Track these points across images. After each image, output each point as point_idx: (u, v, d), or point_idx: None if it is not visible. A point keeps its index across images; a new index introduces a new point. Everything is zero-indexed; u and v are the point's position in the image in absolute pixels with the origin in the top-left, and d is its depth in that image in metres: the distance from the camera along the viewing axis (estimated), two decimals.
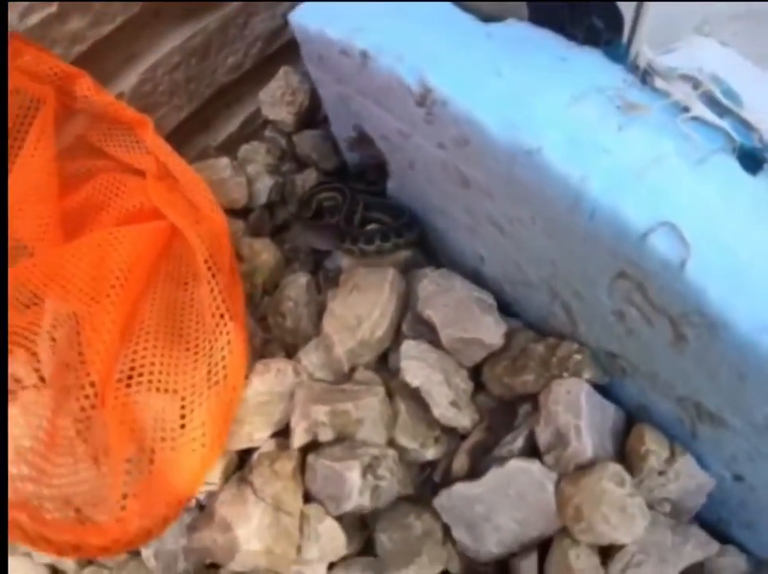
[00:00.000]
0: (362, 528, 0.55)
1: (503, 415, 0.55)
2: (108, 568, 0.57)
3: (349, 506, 0.49)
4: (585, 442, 0.49)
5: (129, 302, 0.60)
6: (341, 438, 0.51)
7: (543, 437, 0.51)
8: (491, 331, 0.56)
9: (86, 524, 0.46)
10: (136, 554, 0.56)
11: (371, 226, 0.69)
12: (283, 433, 0.56)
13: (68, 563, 0.57)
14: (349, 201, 0.70)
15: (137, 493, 0.49)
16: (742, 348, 0.38)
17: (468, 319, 0.57)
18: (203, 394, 0.55)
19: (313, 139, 0.81)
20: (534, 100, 0.45)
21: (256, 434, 0.55)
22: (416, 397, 0.55)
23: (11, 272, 0.60)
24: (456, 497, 0.51)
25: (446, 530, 0.52)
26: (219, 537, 0.48)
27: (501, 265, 0.58)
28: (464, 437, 0.55)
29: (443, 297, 0.59)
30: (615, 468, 0.48)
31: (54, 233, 0.66)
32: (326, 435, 0.51)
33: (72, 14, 0.66)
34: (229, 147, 0.82)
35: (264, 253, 0.71)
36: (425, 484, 0.56)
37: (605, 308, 0.49)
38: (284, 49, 0.83)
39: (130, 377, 0.56)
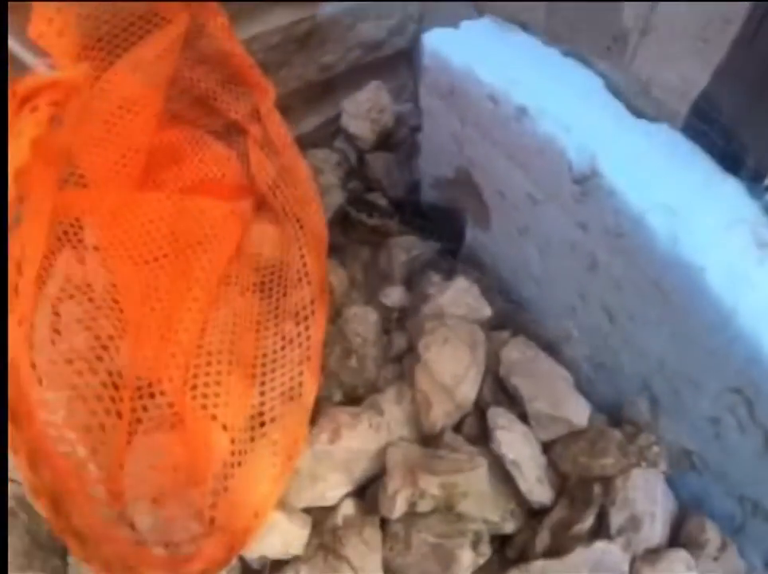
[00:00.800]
0: None
1: (582, 494, 0.55)
2: None
3: None
4: (657, 529, 0.52)
5: (211, 292, 0.49)
6: (437, 510, 0.46)
7: (616, 519, 0.52)
8: (579, 411, 0.55)
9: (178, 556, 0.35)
10: None
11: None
12: (356, 493, 0.49)
13: None
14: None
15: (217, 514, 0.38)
16: None
17: (556, 395, 0.56)
18: (274, 426, 0.46)
19: (387, 163, 0.76)
20: (694, 217, 0.47)
21: (330, 492, 0.47)
22: (494, 467, 0.52)
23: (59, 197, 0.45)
24: (536, 572, 0.49)
25: None
26: None
27: (591, 348, 0.58)
28: (537, 512, 0.54)
29: (527, 367, 0.58)
30: (684, 554, 0.51)
31: (134, 170, 0.51)
32: (425, 506, 0.45)
33: None
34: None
35: (332, 276, 0.64)
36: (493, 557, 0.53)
37: (701, 412, 0.51)
38: (380, 63, 0.77)
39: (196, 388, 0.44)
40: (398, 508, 0.44)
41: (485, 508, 0.47)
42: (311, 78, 0.71)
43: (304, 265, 0.52)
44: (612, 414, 0.59)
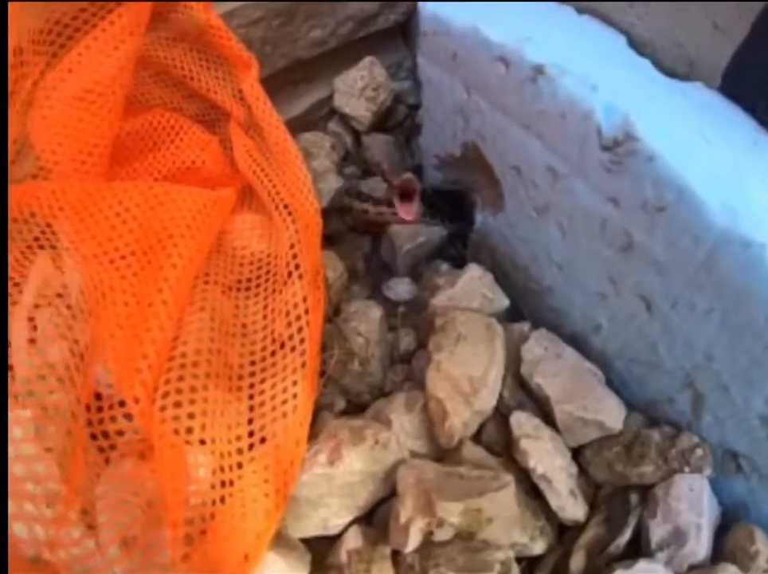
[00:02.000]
0: None
1: (620, 507, 0.46)
2: None
3: None
4: (704, 543, 0.43)
5: (184, 291, 0.41)
6: (459, 536, 0.38)
7: (658, 533, 0.44)
8: (614, 413, 0.47)
9: None
10: None
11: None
12: (363, 519, 0.41)
13: None
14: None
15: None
16: None
17: (588, 395, 0.47)
18: (266, 448, 0.38)
19: (386, 146, 0.67)
20: (752, 184, 0.38)
21: (333, 520, 0.39)
22: (521, 479, 0.44)
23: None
24: None
25: None
26: None
27: (624, 340, 0.50)
28: (567, 528, 0.46)
29: (552, 365, 0.49)
30: (734, 569, 0.42)
31: (101, 159, 0.44)
32: (444, 535, 0.37)
33: None
34: None
35: (329, 269, 0.55)
36: None
37: (752, 411, 0.43)
38: (375, 38, 0.67)
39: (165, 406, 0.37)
40: (412, 540, 0.36)
41: (513, 531, 0.39)
42: (299, 56, 0.62)
43: (294, 257, 0.44)
44: (647, 413, 0.51)
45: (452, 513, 0.36)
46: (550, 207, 0.49)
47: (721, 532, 0.47)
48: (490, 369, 0.46)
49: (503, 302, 0.54)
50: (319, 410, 0.48)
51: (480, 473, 0.40)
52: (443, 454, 0.44)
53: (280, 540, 0.37)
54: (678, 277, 0.42)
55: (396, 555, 0.39)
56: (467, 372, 0.45)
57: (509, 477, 0.40)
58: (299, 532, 0.39)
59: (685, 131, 0.39)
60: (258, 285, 0.48)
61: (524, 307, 0.58)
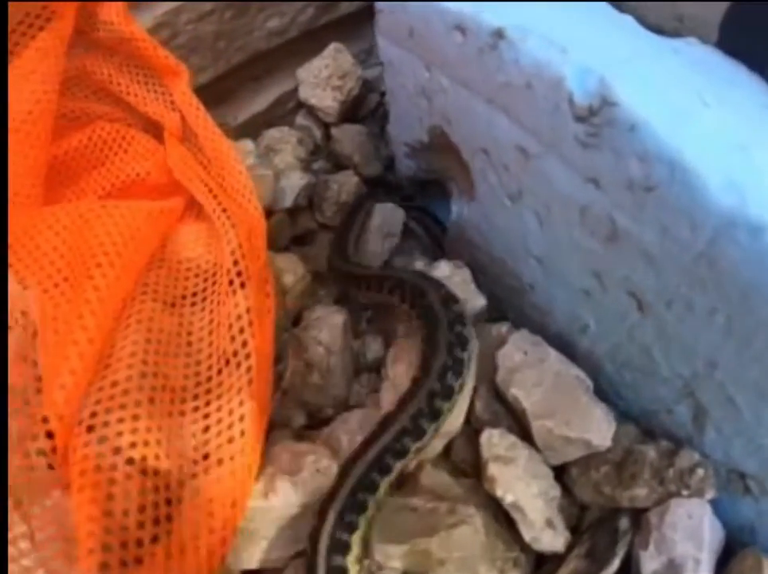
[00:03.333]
0: None
1: (606, 536, 0.38)
2: None
3: None
4: None
5: (110, 311, 0.36)
6: None
7: (651, 566, 0.36)
8: (601, 430, 0.38)
9: None
10: None
11: None
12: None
13: None
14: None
15: None
16: None
17: (571, 409, 0.39)
18: (210, 476, 0.32)
19: (357, 137, 0.60)
20: (761, 157, 0.29)
21: (274, 553, 0.33)
22: (491, 507, 0.37)
23: None
24: None
25: None
26: None
27: (614, 343, 0.41)
28: (546, 557, 0.38)
29: (533, 372, 0.41)
30: None
31: (34, 189, 0.40)
32: None
33: None
34: (251, 130, 0.58)
35: (289, 273, 0.49)
36: None
37: (764, 428, 0.34)
38: (337, 24, 0.60)
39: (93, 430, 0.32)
40: None
41: (476, 564, 0.31)
42: (257, 48, 0.56)
43: (236, 264, 0.38)
44: (643, 424, 0.42)
45: (392, 557, 0.29)
46: (524, 193, 0.41)
47: (724, 558, 0.39)
48: None
49: (478, 302, 0.47)
50: (274, 428, 0.43)
51: (434, 505, 0.33)
52: (400, 480, 0.37)
53: None
54: (673, 270, 0.33)
55: None
56: None
57: (470, 511, 0.33)
58: (241, 565, 0.33)
59: (677, 94, 0.31)
60: (204, 299, 0.42)
61: (506, 305, 0.50)
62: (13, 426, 0.33)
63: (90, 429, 0.32)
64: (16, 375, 0.35)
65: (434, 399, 0.34)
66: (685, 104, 0.30)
